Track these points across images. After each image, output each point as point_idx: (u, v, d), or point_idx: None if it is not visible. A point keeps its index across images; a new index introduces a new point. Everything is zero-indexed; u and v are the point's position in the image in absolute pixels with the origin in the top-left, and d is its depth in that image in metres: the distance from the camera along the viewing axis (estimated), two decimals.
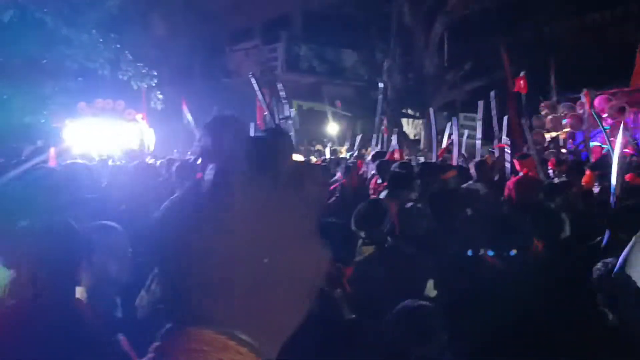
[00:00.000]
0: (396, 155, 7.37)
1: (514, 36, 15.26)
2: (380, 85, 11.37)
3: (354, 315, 2.33)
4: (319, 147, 16.28)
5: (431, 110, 9.46)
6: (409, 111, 18.82)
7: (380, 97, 10.64)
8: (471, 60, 16.48)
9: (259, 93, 5.99)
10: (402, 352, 2.07)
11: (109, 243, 2.24)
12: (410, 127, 18.79)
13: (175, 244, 0.49)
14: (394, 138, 8.06)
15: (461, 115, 14.04)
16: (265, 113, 11.19)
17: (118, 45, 13.69)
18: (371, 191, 5.51)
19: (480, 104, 8.17)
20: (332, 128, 15.06)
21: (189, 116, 10.12)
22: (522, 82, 9.84)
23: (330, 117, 14.91)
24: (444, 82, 17.44)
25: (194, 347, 0.45)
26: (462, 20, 16.49)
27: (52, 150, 5.72)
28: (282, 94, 8.27)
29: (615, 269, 1.82)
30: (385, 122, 10.78)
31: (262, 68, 18.77)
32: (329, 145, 16.52)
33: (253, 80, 6.11)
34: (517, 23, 16.10)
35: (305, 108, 21.84)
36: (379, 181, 5.56)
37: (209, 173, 0.50)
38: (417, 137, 17.72)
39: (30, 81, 12.71)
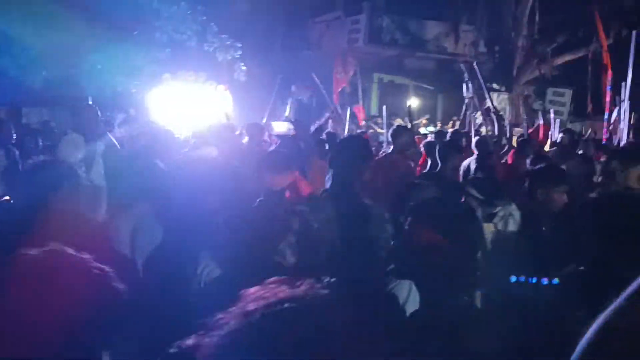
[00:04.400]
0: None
1: (612, 4, 14.21)
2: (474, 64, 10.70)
3: None
4: (398, 121, 16.03)
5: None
6: (494, 85, 18.14)
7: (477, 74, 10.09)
8: (564, 32, 15.59)
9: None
10: None
11: None
12: (495, 102, 18.10)
13: None
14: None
15: (550, 90, 13.35)
16: (344, 86, 11.09)
17: (204, 18, 14.01)
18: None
19: None
20: (413, 102, 14.75)
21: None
22: None
23: (411, 90, 14.59)
24: (533, 55, 16.65)
25: None
26: None
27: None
28: None
29: None
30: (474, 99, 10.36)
31: (345, 40, 18.63)
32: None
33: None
34: None
35: (385, 81, 21.52)
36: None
37: None
38: (501, 113, 17.09)
39: (122, 52, 13.29)
